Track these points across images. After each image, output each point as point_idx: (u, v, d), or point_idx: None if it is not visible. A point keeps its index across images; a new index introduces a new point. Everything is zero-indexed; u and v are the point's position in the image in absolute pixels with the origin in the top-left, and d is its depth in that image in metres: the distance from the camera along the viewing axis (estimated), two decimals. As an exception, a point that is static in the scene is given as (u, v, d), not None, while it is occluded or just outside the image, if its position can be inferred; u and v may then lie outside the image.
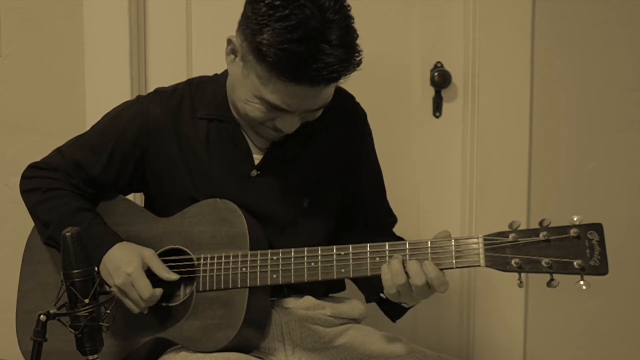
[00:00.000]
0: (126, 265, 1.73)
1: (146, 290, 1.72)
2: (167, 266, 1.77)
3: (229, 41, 1.71)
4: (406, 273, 1.59)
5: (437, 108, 2.51)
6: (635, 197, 2.55)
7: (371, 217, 1.94)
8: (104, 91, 2.40)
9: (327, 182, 1.88)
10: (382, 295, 1.74)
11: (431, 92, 2.51)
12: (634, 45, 2.49)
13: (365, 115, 1.94)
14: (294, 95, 1.65)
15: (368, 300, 1.88)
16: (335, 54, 1.59)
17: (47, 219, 1.85)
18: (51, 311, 1.49)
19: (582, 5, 2.46)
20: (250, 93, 1.69)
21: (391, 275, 1.60)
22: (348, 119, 1.90)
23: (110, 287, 1.75)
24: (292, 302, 1.86)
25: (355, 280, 1.86)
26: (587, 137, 2.53)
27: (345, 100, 1.91)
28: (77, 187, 1.88)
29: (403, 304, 1.76)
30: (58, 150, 1.93)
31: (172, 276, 1.75)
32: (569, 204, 2.53)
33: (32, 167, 1.93)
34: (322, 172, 1.87)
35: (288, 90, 1.64)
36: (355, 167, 1.91)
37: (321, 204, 1.87)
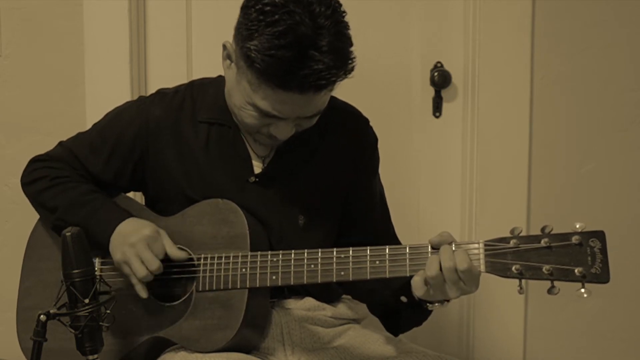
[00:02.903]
0: (144, 228, 1.73)
1: (162, 251, 1.72)
2: (168, 265, 1.76)
3: (224, 47, 1.70)
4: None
5: (437, 108, 2.51)
6: (635, 197, 2.55)
7: (376, 242, 1.90)
8: (104, 91, 2.40)
9: (325, 202, 1.86)
10: (402, 298, 1.72)
11: (431, 92, 2.51)
12: (634, 45, 2.49)
13: (376, 140, 1.91)
14: (283, 102, 1.63)
15: (374, 312, 1.87)
16: (324, 61, 1.57)
17: (55, 205, 1.83)
18: (51, 311, 1.49)
19: (582, 5, 2.46)
20: (243, 99, 1.68)
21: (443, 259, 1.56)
22: (358, 143, 1.87)
23: (116, 281, 1.73)
24: (292, 303, 1.85)
25: (368, 292, 1.85)
26: (587, 137, 2.53)
27: (358, 124, 1.89)
28: (83, 177, 1.88)
29: (428, 305, 1.69)
30: (60, 144, 1.93)
31: (180, 254, 1.73)
32: (569, 204, 2.53)
33: (35, 160, 1.92)
34: (322, 191, 1.85)
35: (277, 97, 1.62)
36: (359, 192, 1.88)
37: (317, 224, 1.84)
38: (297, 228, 1.83)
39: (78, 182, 1.86)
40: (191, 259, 1.77)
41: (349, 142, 1.86)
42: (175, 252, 1.74)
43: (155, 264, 1.71)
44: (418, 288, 1.60)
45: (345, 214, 1.89)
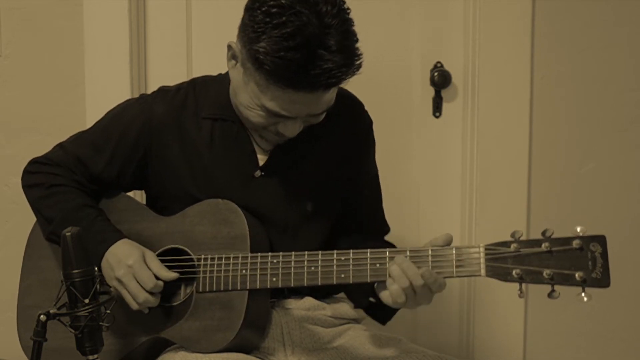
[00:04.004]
0: (127, 258, 1.73)
1: (149, 281, 1.72)
2: (167, 266, 1.77)
3: (229, 47, 1.70)
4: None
5: (437, 108, 2.51)
6: (635, 197, 2.55)
7: (363, 225, 1.93)
8: (104, 91, 2.40)
9: (331, 187, 1.87)
10: (371, 299, 1.73)
11: (431, 92, 2.51)
12: (634, 45, 2.49)
13: (371, 123, 1.92)
14: (293, 102, 1.64)
15: (357, 306, 1.88)
16: (334, 60, 1.57)
17: (50, 215, 1.84)
18: (51, 311, 1.49)
19: (582, 5, 2.46)
20: (250, 100, 1.69)
21: (395, 279, 1.59)
22: (355, 126, 1.89)
23: (110, 286, 1.75)
24: (292, 303, 1.85)
25: (343, 286, 1.86)
26: (587, 137, 2.53)
27: (354, 107, 1.90)
28: (80, 183, 1.88)
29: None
30: (60, 146, 1.93)
31: (171, 275, 1.75)
32: (568, 204, 2.53)
33: (35, 162, 1.92)
34: (326, 176, 1.86)
35: (287, 97, 1.63)
36: (355, 174, 1.90)
37: (323, 208, 1.86)
38: (304, 214, 1.84)
39: (72, 194, 1.86)
40: (191, 259, 1.77)
41: (346, 126, 1.87)
42: (164, 275, 1.74)
43: (142, 296, 1.73)
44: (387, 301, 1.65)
45: (342, 195, 1.90)
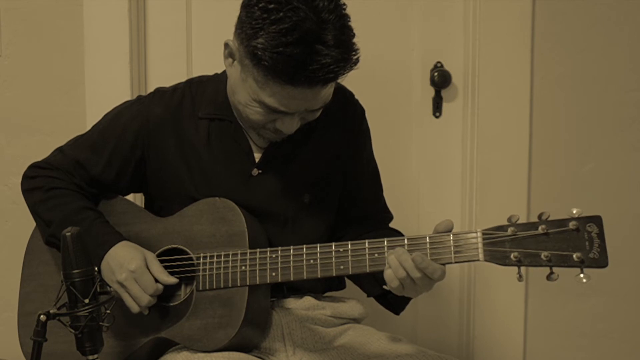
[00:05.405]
0: (129, 262, 1.74)
1: (151, 286, 1.73)
2: (167, 266, 1.77)
3: (226, 45, 1.71)
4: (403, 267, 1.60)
5: (437, 108, 2.51)
6: (635, 197, 2.55)
7: (366, 213, 1.94)
8: (104, 91, 2.40)
9: (327, 177, 1.88)
10: (384, 287, 1.73)
11: (431, 92, 2.51)
12: (634, 45, 2.50)
13: (363, 111, 1.94)
14: (292, 97, 1.65)
15: (369, 295, 1.88)
16: (332, 55, 1.58)
17: (49, 218, 1.84)
18: (51, 311, 1.49)
19: (582, 5, 2.46)
20: (249, 97, 1.69)
21: (392, 269, 1.60)
22: (347, 115, 1.90)
23: (110, 287, 1.75)
24: (292, 303, 1.86)
25: (354, 276, 1.86)
26: (587, 137, 2.53)
27: (345, 97, 1.91)
28: (79, 187, 1.88)
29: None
30: (59, 150, 1.93)
31: (171, 280, 1.75)
32: (568, 204, 2.51)
33: (34, 166, 1.93)
34: (322, 168, 1.87)
35: (286, 93, 1.64)
36: (352, 163, 1.91)
37: (322, 199, 1.87)
38: (303, 206, 1.84)
39: (72, 196, 1.86)
40: (190, 259, 1.77)
41: (338, 115, 1.88)
42: (165, 279, 1.75)
43: (144, 299, 1.73)
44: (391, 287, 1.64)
45: (343, 184, 1.91)
